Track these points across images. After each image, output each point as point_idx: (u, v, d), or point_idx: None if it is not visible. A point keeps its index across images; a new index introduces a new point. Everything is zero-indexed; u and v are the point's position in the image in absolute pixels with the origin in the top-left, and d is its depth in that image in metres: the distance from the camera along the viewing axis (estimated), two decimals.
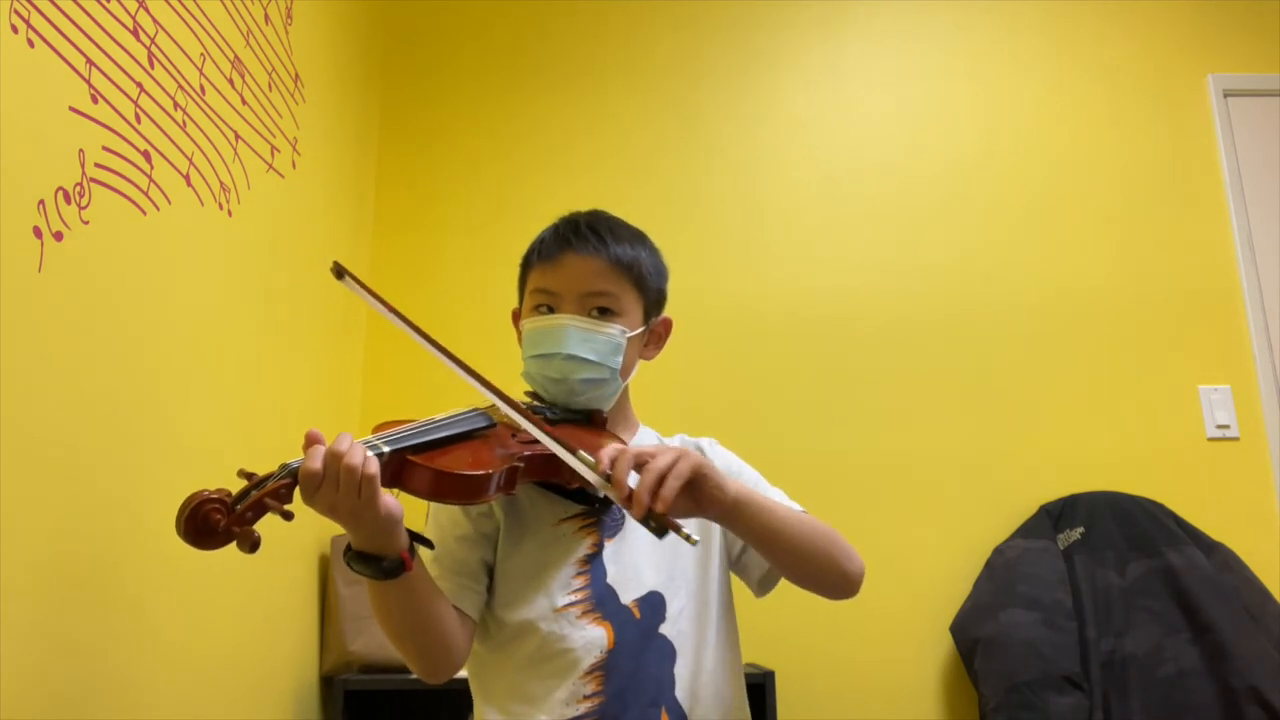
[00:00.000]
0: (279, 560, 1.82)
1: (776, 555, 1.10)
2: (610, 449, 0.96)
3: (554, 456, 1.03)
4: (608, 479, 0.94)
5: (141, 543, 1.25)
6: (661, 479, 0.92)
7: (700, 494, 0.98)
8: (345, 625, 1.99)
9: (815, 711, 2.22)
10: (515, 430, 1.08)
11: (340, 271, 1.07)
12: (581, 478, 1.00)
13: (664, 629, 1.11)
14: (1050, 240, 2.58)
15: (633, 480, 0.93)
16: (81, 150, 1.12)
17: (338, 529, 2.15)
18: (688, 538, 0.90)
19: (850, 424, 2.42)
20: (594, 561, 1.12)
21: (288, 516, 0.83)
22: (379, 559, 0.95)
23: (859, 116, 2.66)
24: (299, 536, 1.94)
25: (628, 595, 1.11)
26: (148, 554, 1.27)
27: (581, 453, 0.97)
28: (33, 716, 1.00)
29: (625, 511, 0.94)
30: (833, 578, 1.11)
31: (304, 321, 1.96)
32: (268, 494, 0.83)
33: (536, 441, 1.04)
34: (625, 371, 1.19)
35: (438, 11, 2.69)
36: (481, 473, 0.96)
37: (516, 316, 1.24)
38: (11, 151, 0.99)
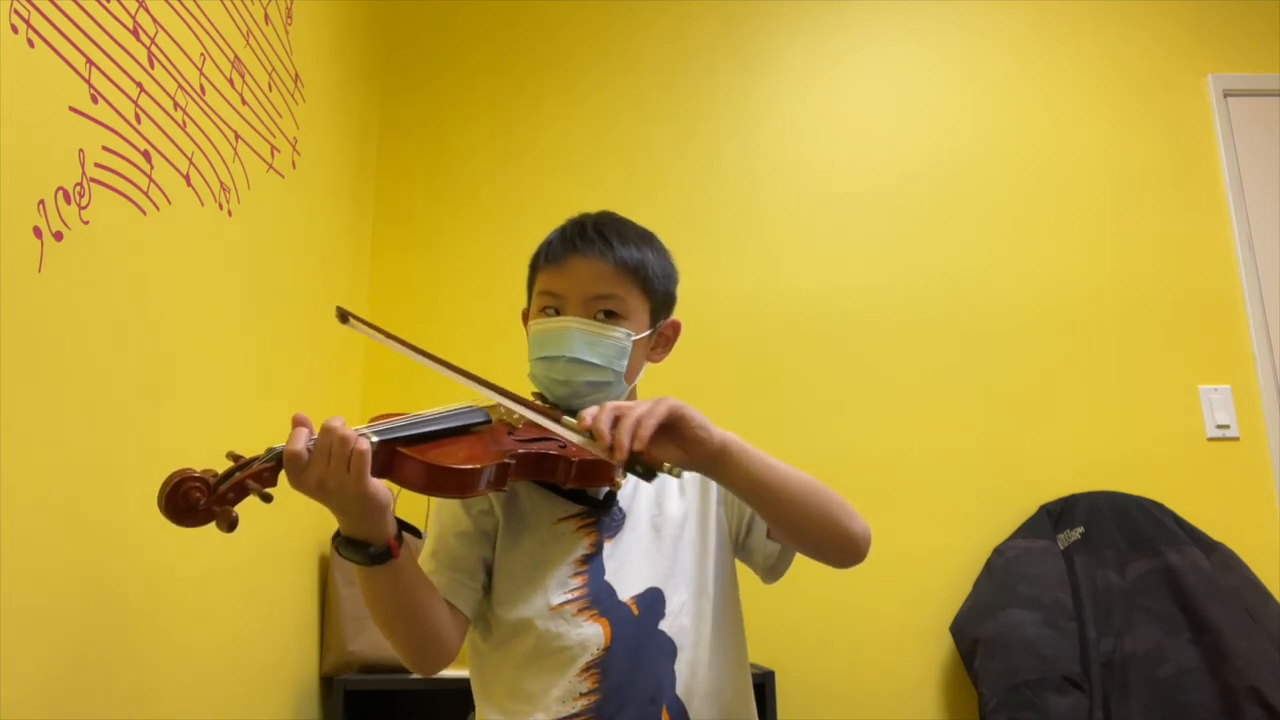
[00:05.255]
0: (279, 560, 1.82)
1: (773, 511, 1.06)
2: (590, 409, 0.96)
3: (547, 455, 1.04)
4: (589, 435, 0.94)
5: (141, 543, 1.25)
6: (639, 422, 0.93)
7: (683, 437, 0.98)
8: (345, 625, 1.99)
9: (815, 711, 2.22)
10: (512, 428, 1.09)
11: (344, 316, 1.11)
12: (584, 471, 1.02)
13: (664, 625, 1.11)
14: (1050, 240, 2.58)
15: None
16: (81, 150, 1.12)
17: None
18: (672, 471, 0.92)
19: (850, 424, 2.42)
20: (592, 561, 1.12)
21: (267, 499, 0.85)
22: (366, 544, 0.96)
23: (858, 118, 2.66)
24: (299, 537, 1.94)
25: (625, 592, 1.11)
26: (148, 554, 1.27)
27: (565, 418, 0.98)
28: (32, 716, 1.00)
29: (632, 476, 0.95)
30: (836, 539, 1.07)
31: (304, 321, 1.96)
32: (250, 475, 0.85)
33: (533, 440, 1.05)
34: (630, 375, 1.18)
35: (438, 12, 2.69)
36: (471, 467, 0.96)
37: (526, 316, 1.24)
38: (11, 151, 0.99)
